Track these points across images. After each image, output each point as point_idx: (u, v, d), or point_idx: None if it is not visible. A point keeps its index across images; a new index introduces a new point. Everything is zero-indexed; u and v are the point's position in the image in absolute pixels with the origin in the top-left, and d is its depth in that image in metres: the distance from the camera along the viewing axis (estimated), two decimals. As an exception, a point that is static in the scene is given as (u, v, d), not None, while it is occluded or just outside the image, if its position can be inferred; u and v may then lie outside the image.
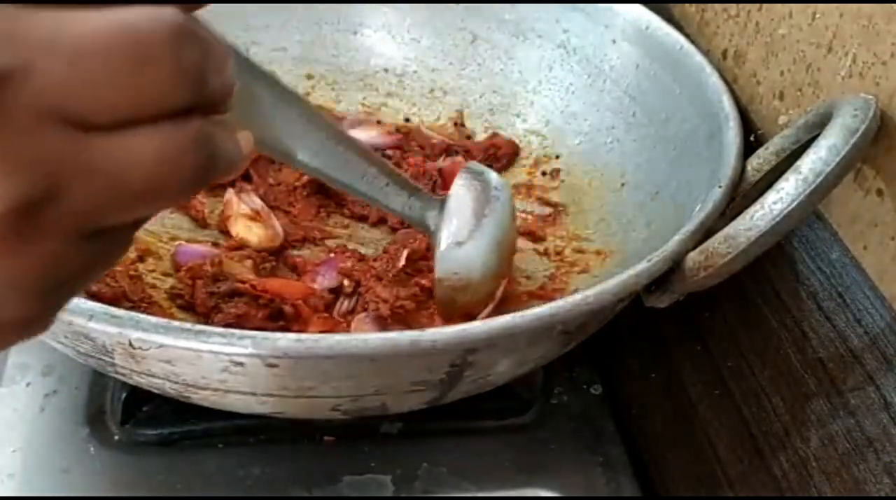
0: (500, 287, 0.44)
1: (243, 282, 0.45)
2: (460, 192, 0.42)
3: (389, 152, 0.55)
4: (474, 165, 0.45)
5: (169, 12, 0.17)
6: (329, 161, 0.36)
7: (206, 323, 0.42)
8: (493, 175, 0.44)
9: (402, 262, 0.45)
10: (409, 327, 0.43)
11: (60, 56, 0.16)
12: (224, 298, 0.44)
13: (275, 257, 0.48)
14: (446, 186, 0.49)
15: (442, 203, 0.42)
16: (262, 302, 0.44)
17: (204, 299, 0.44)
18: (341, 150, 0.36)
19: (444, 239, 0.41)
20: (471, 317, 0.42)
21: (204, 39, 0.18)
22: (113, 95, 0.16)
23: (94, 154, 0.16)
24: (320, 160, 0.35)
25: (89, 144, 0.16)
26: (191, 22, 0.18)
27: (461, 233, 0.41)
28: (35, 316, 0.18)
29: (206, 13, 0.21)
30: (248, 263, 0.46)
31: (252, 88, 0.29)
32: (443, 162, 0.55)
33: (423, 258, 0.46)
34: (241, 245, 0.48)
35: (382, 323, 0.44)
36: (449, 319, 0.43)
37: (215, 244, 0.49)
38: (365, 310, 0.45)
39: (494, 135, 0.58)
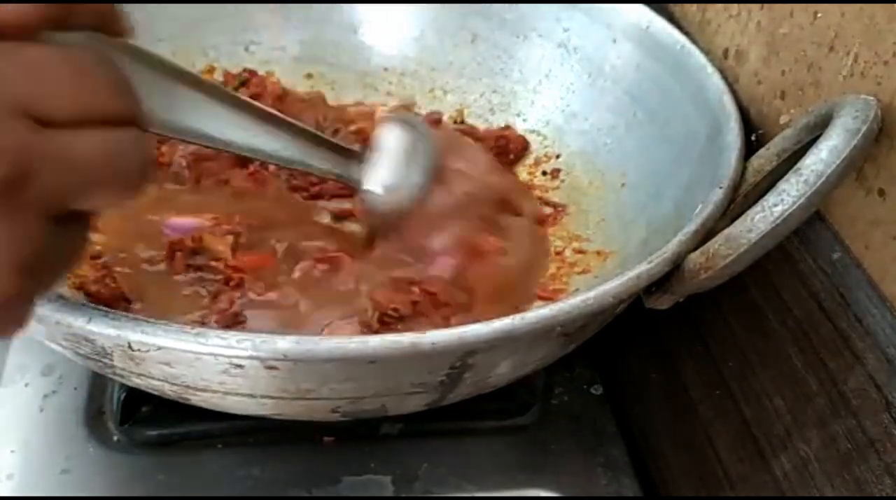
0: None
1: (218, 259, 0.46)
2: (383, 141, 0.45)
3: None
4: (395, 114, 0.49)
5: (92, 50, 0.22)
6: (238, 132, 0.36)
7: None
8: (413, 120, 0.47)
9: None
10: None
11: (21, 65, 0.20)
12: (199, 270, 0.46)
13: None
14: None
15: (363, 154, 0.45)
16: (232, 284, 0.45)
17: (181, 270, 0.45)
18: (249, 119, 0.37)
19: (372, 185, 0.44)
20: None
21: (121, 70, 0.22)
22: (64, 98, 0.20)
23: (54, 145, 0.20)
24: (228, 134, 0.36)
25: (50, 137, 0.20)
26: (109, 58, 0.22)
27: (387, 179, 0.45)
28: (14, 294, 0.20)
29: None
30: (230, 239, 0.47)
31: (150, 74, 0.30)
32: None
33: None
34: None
35: (366, 329, 0.43)
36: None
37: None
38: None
39: (507, 127, 0.58)
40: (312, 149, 0.41)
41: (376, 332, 0.42)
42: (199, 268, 0.46)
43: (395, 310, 0.43)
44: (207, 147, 0.36)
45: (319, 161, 0.42)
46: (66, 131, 0.20)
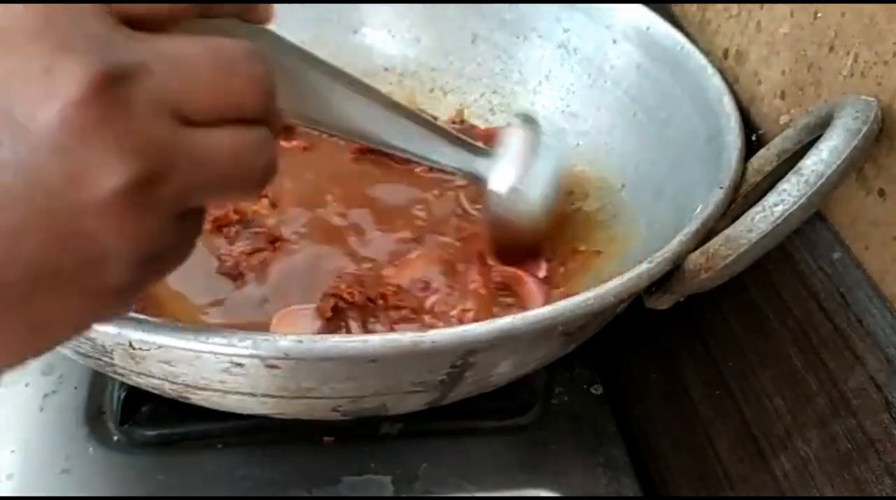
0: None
1: (262, 225, 0.48)
2: (512, 139, 0.44)
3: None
4: (525, 115, 0.47)
5: (242, 41, 0.21)
6: (375, 125, 0.37)
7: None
8: (540, 123, 0.46)
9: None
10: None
11: (167, 62, 0.20)
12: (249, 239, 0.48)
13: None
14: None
15: (493, 152, 0.44)
16: (277, 244, 0.47)
17: (233, 242, 0.47)
18: (385, 113, 0.38)
19: (496, 183, 0.43)
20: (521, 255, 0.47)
21: (267, 64, 0.22)
22: (205, 97, 0.20)
23: (190, 144, 0.20)
24: (367, 126, 0.37)
25: (187, 135, 0.20)
26: (258, 50, 0.22)
27: (512, 177, 0.43)
28: (131, 284, 0.20)
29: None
30: (265, 201, 0.49)
31: (302, 68, 0.33)
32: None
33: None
34: None
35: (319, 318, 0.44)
36: (499, 256, 0.47)
37: None
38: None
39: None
40: (439, 142, 0.41)
41: (328, 320, 0.43)
42: (248, 238, 0.47)
43: (352, 294, 0.43)
44: (335, 135, 0.37)
45: (446, 156, 0.42)
46: (201, 130, 0.20)
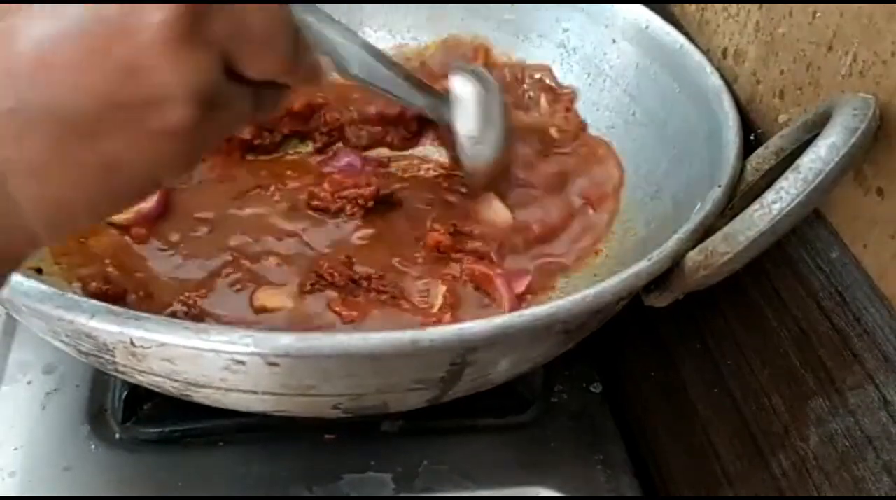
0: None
1: None
2: (462, 91, 0.51)
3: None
4: (461, 63, 0.54)
5: None
6: (369, 72, 0.47)
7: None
8: (481, 70, 0.53)
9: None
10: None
11: None
12: None
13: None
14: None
15: (450, 99, 0.51)
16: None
17: None
18: (374, 61, 0.48)
19: (463, 136, 0.50)
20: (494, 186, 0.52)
21: None
22: None
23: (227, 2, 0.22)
24: (363, 71, 0.47)
25: None
26: None
27: (475, 129, 0.50)
28: (192, 130, 0.22)
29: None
30: None
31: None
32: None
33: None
34: None
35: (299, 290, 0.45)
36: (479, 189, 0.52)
37: None
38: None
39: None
40: (415, 90, 0.50)
41: (306, 293, 0.44)
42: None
43: (332, 276, 0.44)
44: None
45: (419, 100, 0.50)
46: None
